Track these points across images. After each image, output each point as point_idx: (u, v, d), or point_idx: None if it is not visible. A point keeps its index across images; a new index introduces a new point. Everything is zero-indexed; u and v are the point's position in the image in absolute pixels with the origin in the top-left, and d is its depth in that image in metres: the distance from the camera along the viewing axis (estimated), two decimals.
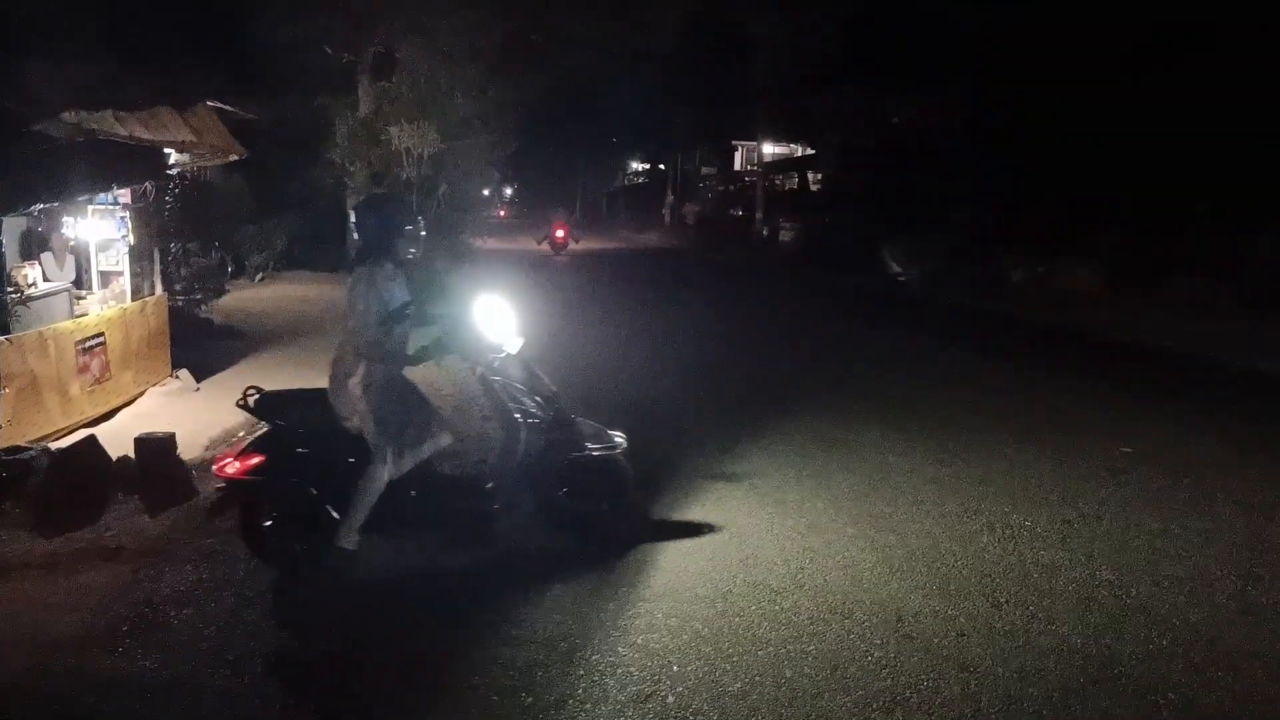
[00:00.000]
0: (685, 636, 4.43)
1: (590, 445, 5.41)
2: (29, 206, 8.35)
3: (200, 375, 10.42)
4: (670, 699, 3.91)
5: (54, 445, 7.08)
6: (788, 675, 4.09)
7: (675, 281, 21.73)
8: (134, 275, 9.85)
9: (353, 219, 5.29)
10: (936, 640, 4.41)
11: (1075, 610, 4.74)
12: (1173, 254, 17.94)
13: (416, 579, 5.17)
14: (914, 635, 4.45)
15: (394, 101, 19.58)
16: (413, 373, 5.10)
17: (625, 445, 5.46)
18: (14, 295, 7.99)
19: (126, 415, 9.02)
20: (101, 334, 8.82)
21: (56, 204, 8.85)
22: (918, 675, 4.09)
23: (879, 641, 4.39)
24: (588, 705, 3.88)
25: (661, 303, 17.50)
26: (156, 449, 6.53)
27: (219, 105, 10.44)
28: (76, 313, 8.92)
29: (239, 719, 3.87)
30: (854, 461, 7.23)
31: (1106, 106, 18.88)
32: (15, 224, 9.13)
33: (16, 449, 6.69)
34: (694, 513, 6.10)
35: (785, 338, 13.82)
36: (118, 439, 7.17)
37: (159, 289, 10.31)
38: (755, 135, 34.24)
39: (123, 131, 8.26)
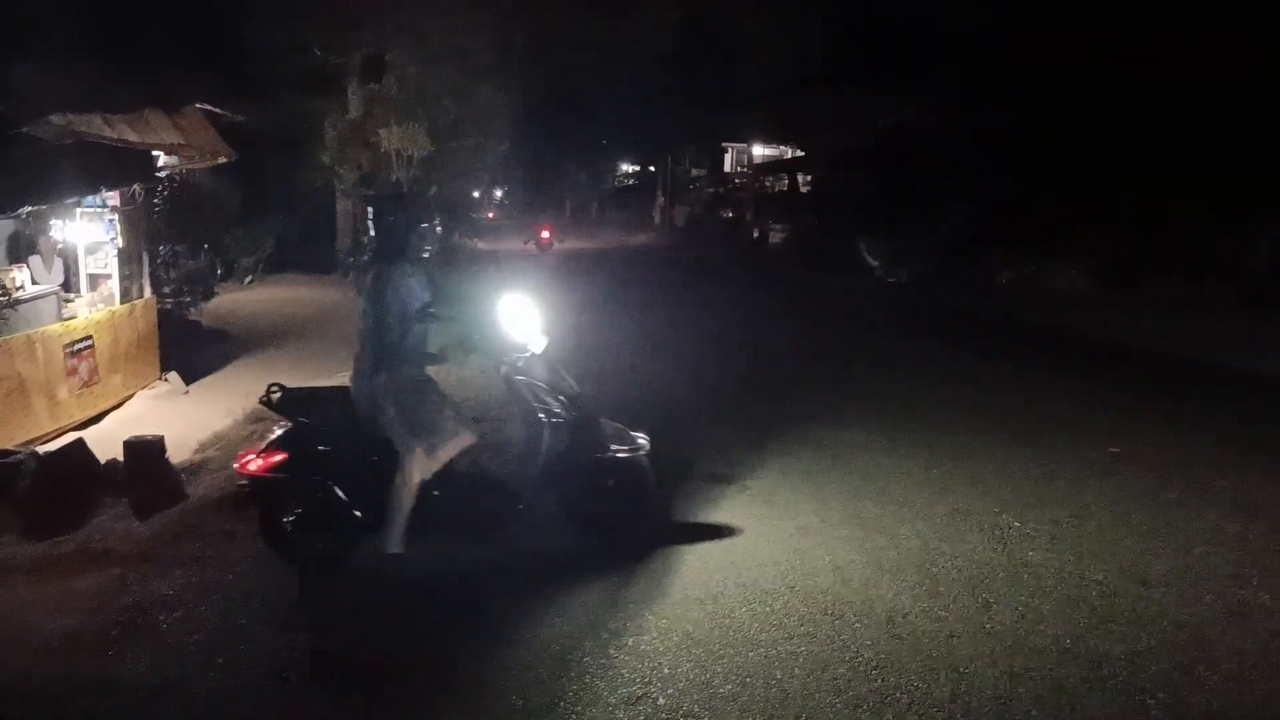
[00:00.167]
0: (676, 638, 4.43)
1: (614, 446, 5.36)
2: (17, 209, 8.33)
3: (189, 378, 10.40)
4: (661, 700, 3.92)
5: (42, 449, 7.06)
6: (778, 676, 4.10)
7: (664, 282, 21.73)
8: (123, 278, 9.83)
9: (370, 217, 5.31)
10: (927, 641, 4.42)
11: (1064, 610, 4.75)
12: (1165, 254, 17.98)
13: (416, 580, 5.15)
14: (904, 636, 4.46)
15: (383, 104, 19.54)
16: (434, 371, 5.10)
17: (648, 447, 5.42)
18: (1, 298, 7.97)
19: (115, 418, 9.00)
20: (90, 337, 8.80)
21: (44, 206, 8.82)
22: (908, 676, 4.10)
23: (869, 642, 4.40)
24: (578, 707, 3.87)
25: (649, 303, 17.50)
26: (145, 452, 6.51)
27: (208, 107, 10.41)
28: (65, 316, 8.89)
29: None
30: (844, 462, 7.24)
31: (1098, 106, 18.90)
32: (3, 227, 9.12)
33: (4, 453, 6.68)
34: (684, 514, 6.10)
35: (774, 338, 13.82)
36: (106, 442, 7.15)
37: (148, 292, 10.28)
38: (745, 137, 34.34)
39: (111, 134, 8.24)
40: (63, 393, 8.32)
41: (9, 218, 8.78)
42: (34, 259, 9.03)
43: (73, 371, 8.48)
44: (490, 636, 4.46)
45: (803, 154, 34.88)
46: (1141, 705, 3.91)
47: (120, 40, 9.67)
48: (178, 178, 12.57)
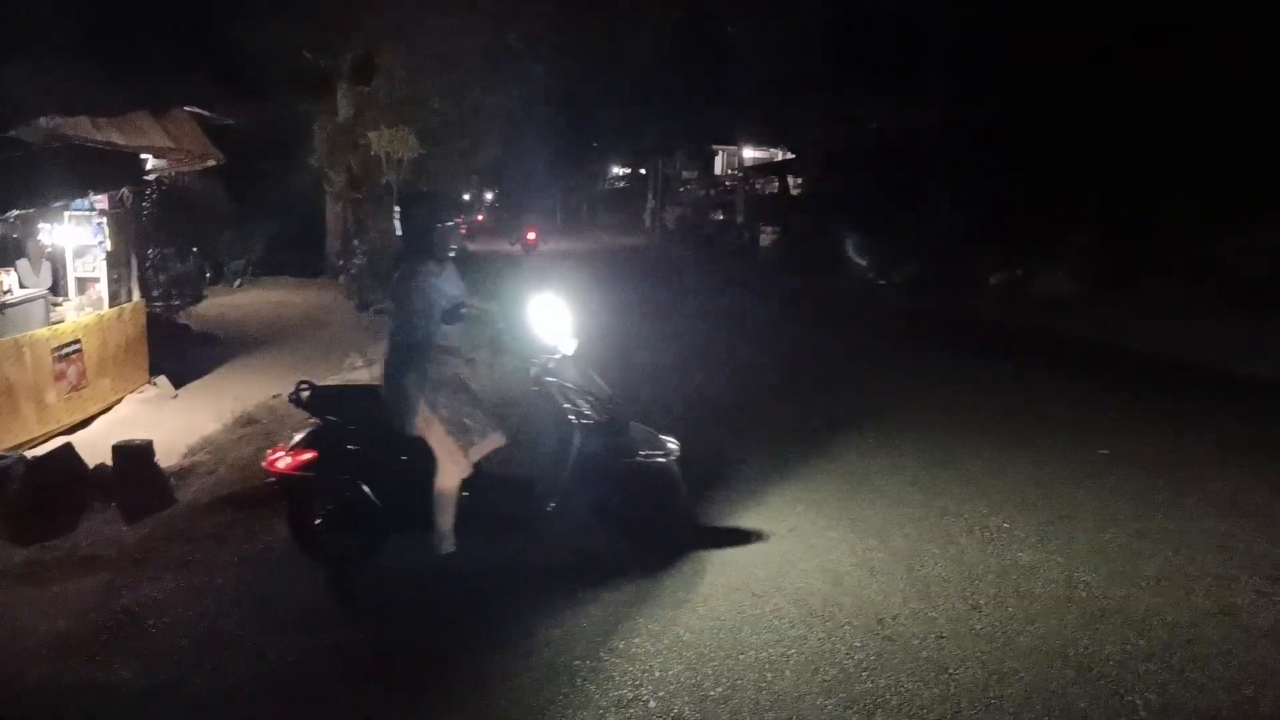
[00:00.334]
0: (666, 641, 4.43)
1: (643, 450, 5.31)
2: (4, 213, 8.30)
3: (178, 382, 10.37)
4: (652, 703, 3.92)
5: (30, 453, 7.03)
6: (769, 679, 4.10)
7: (651, 282, 21.67)
8: (111, 282, 9.80)
9: (396, 215, 5.30)
10: (917, 642, 4.43)
11: (1054, 611, 4.76)
12: (1158, 255, 17.96)
13: (415, 580, 5.15)
14: (894, 638, 4.47)
15: (373, 106, 19.55)
16: (463, 371, 5.09)
17: (678, 452, 5.37)
18: None
19: (104, 422, 8.97)
20: (78, 341, 8.76)
21: (32, 210, 8.79)
22: (898, 677, 4.11)
23: (860, 644, 4.40)
24: (569, 711, 3.87)
25: (639, 306, 17.48)
26: (134, 456, 6.50)
27: (196, 110, 10.40)
28: (53, 320, 8.86)
29: None
30: (833, 464, 7.24)
31: (1089, 107, 18.93)
32: None
33: None
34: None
35: (763, 340, 13.80)
36: (95, 446, 7.13)
37: (136, 295, 10.25)
38: (736, 139, 34.42)
39: (99, 137, 8.22)
40: (51, 397, 8.29)
41: None
42: (22, 263, 9.01)
43: (61, 375, 8.44)
44: (484, 639, 4.46)
45: (793, 156, 34.98)
46: (1130, 706, 3.92)
47: (109, 43, 9.65)
48: (166, 181, 12.58)
